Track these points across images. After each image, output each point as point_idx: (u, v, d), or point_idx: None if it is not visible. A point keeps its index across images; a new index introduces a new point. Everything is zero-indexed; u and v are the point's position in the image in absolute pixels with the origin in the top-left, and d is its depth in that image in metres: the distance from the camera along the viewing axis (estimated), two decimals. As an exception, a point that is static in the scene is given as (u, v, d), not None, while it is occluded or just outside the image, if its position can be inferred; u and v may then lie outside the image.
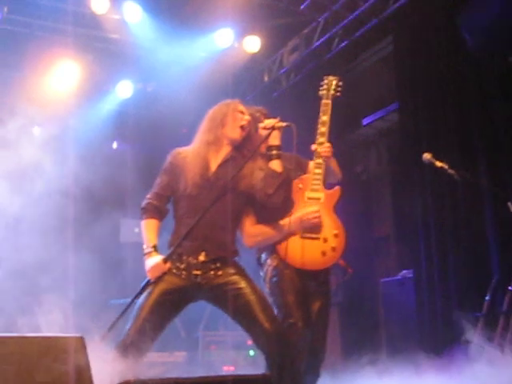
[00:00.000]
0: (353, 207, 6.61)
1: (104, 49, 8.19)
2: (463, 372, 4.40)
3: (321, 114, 3.85)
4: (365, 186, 8.61)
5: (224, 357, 7.14)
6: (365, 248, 7.84)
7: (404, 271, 6.79)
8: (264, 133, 3.64)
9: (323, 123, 3.81)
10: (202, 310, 7.58)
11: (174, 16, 7.49)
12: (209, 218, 3.44)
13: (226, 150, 3.66)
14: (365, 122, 8.15)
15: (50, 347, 1.87)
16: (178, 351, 7.19)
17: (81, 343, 1.93)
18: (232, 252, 3.56)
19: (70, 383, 1.84)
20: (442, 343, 5.73)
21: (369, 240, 8.23)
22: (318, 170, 3.71)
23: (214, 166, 3.61)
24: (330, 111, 3.85)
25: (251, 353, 7.12)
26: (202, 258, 3.47)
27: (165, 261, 3.44)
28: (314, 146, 3.76)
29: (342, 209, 3.78)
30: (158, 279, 3.42)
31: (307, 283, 3.68)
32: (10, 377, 1.77)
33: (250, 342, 7.13)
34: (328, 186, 3.80)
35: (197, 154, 3.64)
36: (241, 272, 3.51)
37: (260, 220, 3.69)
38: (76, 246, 6.81)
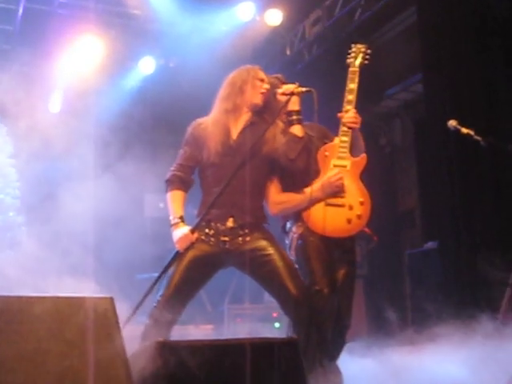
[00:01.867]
0: (377, 180, 6.57)
1: (126, 25, 8.21)
2: (488, 344, 4.37)
3: (348, 81, 3.78)
4: (389, 159, 8.56)
5: (249, 330, 7.18)
6: (390, 221, 7.82)
7: (429, 243, 6.76)
8: (283, 98, 3.61)
9: (350, 91, 3.74)
10: (227, 283, 7.64)
11: (195, -10, 7.48)
12: (235, 185, 3.45)
13: (245, 117, 3.65)
14: (388, 93, 8.08)
15: (81, 306, 1.90)
16: (203, 324, 7.25)
17: (111, 303, 1.96)
18: (260, 217, 3.57)
19: (100, 341, 1.87)
20: (468, 315, 5.70)
21: (394, 213, 8.20)
22: (344, 138, 3.67)
23: (234, 134, 3.61)
24: (357, 79, 3.78)
25: (276, 325, 7.16)
26: (230, 223, 3.48)
27: (192, 231, 3.46)
28: (341, 114, 3.70)
29: (366, 181, 3.75)
30: (187, 249, 3.45)
31: (332, 251, 3.67)
32: (43, 334, 1.80)
33: (275, 315, 7.19)
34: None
35: (217, 122, 3.63)
36: (269, 238, 3.51)
37: (285, 188, 3.68)
38: (100, 221, 6.86)
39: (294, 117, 3.58)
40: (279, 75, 3.94)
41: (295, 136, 3.54)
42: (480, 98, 6.09)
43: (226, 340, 2.37)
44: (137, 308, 3.37)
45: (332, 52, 7.95)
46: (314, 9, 8.23)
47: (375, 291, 7.51)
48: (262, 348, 2.51)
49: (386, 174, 8.35)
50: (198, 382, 2.22)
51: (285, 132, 3.59)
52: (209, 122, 3.67)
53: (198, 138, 3.64)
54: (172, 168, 3.67)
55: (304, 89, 3.59)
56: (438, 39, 6.62)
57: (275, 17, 8.16)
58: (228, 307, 7.53)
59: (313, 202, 3.62)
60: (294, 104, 3.59)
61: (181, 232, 3.46)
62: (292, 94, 3.58)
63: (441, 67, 6.57)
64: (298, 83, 3.63)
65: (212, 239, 3.48)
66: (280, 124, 3.64)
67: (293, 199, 3.65)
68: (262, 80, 3.68)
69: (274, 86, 3.74)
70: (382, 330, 6.05)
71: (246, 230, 3.48)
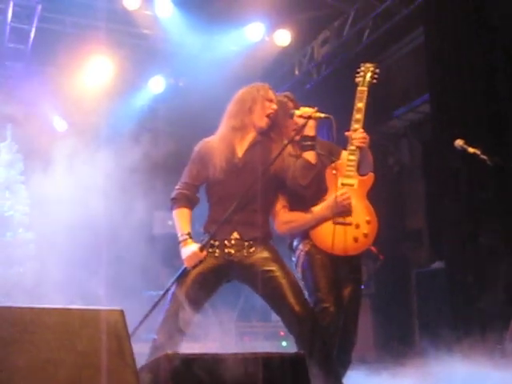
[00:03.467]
0: (385, 199, 6.59)
1: (136, 44, 8.29)
2: (497, 365, 4.36)
3: (356, 100, 3.79)
4: (397, 179, 8.58)
5: (257, 348, 7.17)
6: (397, 240, 7.83)
7: (437, 262, 6.77)
8: (300, 121, 3.59)
9: (358, 110, 3.76)
10: (235, 300, 7.64)
11: (205, 11, 7.55)
12: (240, 202, 3.48)
13: (251, 136, 3.67)
14: (396, 113, 8.12)
15: (92, 319, 1.93)
16: (211, 342, 7.23)
17: (121, 316, 1.99)
18: (265, 233, 3.58)
19: (110, 353, 1.90)
20: (475, 335, 5.69)
21: (401, 232, 8.21)
22: (352, 157, 3.68)
23: (240, 152, 3.63)
24: (365, 98, 3.79)
25: (284, 344, 7.16)
26: (235, 235, 3.50)
27: (201, 249, 3.48)
28: (349, 132, 3.71)
29: (374, 201, 3.77)
30: (195, 266, 3.47)
31: (339, 269, 3.68)
32: (54, 345, 1.83)
33: (282, 334, 7.18)
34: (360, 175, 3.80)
35: (223, 139, 3.66)
36: (274, 254, 3.53)
37: (292, 206, 3.71)
38: (108, 239, 6.91)
39: (309, 142, 3.55)
40: (288, 93, 3.98)
41: (309, 162, 3.52)
42: (487, 118, 6.13)
43: (234, 354, 2.39)
44: (142, 322, 3.40)
45: (340, 72, 8.02)
46: (323, 29, 8.32)
47: (382, 310, 7.50)
48: (270, 363, 2.53)
49: (394, 193, 8.37)
50: (207, 395, 2.24)
51: (293, 153, 3.61)
52: (216, 139, 3.70)
53: (204, 155, 3.66)
54: (177, 186, 3.70)
55: (323, 115, 3.57)
56: (444, 60, 6.67)
57: (284, 37, 8.24)
58: (236, 325, 7.53)
59: (320, 220, 3.65)
60: (311, 129, 3.57)
61: (190, 250, 3.49)
62: (310, 117, 3.56)
63: (448, 88, 6.61)
64: (316, 108, 3.61)
65: (217, 250, 3.50)
66: (289, 145, 3.64)
67: (300, 219, 3.67)
68: (271, 100, 3.69)
69: (283, 105, 3.78)
70: (389, 349, 6.04)
71: (251, 242, 3.50)
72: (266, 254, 3.50)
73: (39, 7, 7.45)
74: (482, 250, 6.00)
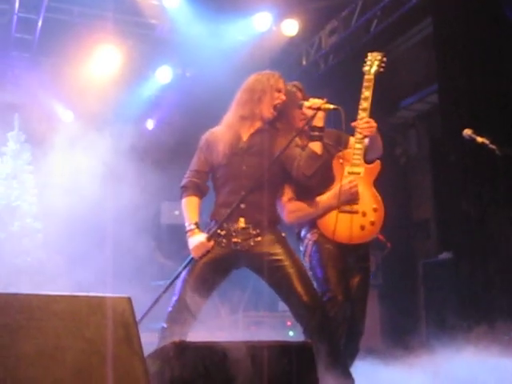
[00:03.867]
0: (392, 190, 6.57)
1: (143, 34, 8.28)
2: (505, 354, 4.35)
3: (363, 89, 3.78)
4: (404, 169, 8.56)
5: (264, 337, 7.17)
6: (405, 231, 7.82)
7: (444, 253, 6.76)
8: (309, 112, 3.56)
9: (365, 99, 3.74)
10: (242, 291, 7.66)
11: (212, 0, 7.53)
12: (245, 184, 3.48)
13: (257, 125, 3.66)
14: (404, 104, 8.10)
15: (99, 306, 1.94)
16: (218, 332, 7.26)
17: (128, 303, 1.99)
18: (272, 217, 3.57)
19: (118, 340, 1.90)
20: (483, 326, 5.69)
21: (409, 223, 8.20)
22: (358, 145, 3.68)
23: (245, 137, 3.64)
24: (372, 87, 3.78)
25: (291, 334, 7.17)
26: (241, 224, 3.49)
27: (209, 239, 3.47)
28: (355, 122, 3.70)
29: (381, 191, 3.76)
30: (202, 256, 3.47)
31: (347, 258, 3.69)
32: (62, 332, 1.84)
33: (289, 324, 7.19)
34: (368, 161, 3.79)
35: (230, 127, 3.66)
36: (281, 242, 3.52)
37: (299, 195, 3.71)
38: (116, 229, 6.92)
39: (317, 133, 3.53)
40: (297, 83, 3.96)
41: (314, 153, 3.50)
42: (496, 108, 6.10)
43: (242, 342, 2.40)
44: (149, 310, 3.41)
45: (348, 62, 7.98)
46: (331, 19, 8.26)
47: (390, 301, 7.50)
48: (278, 351, 2.53)
49: (402, 184, 8.35)
50: (215, 383, 2.25)
51: (299, 143, 3.60)
52: (222, 127, 3.70)
53: (211, 142, 3.67)
54: (187, 175, 3.70)
55: (332, 106, 3.53)
56: (453, 50, 6.63)
57: (292, 27, 8.20)
58: (243, 315, 7.54)
59: (327, 209, 3.65)
60: (319, 120, 3.53)
61: (197, 240, 3.48)
62: (319, 109, 3.53)
63: (456, 78, 6.58)
64: (326, 99, 3.57)
65: (224, 240, 3.50)
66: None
67: (307, 208, 3.68)
68: (280, 90, 3.67)
69: (291, 95, 3.77)
70: (395, 339, 6.04)
71: (258, 230, 3.48)
72: (273, 242, 3.49)
73: (46, -3, 7.44)
74: (490, 240, 5.99)
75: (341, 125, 3.58)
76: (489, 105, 6.17)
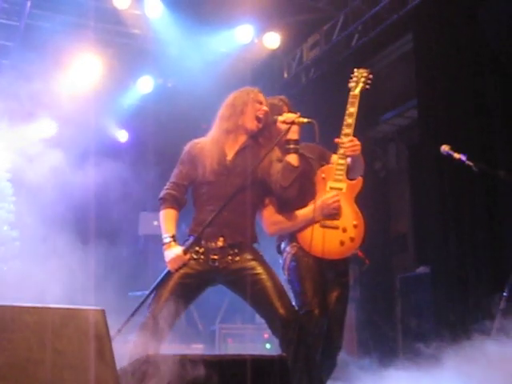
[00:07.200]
0: (371, 203, 6.60)
1: (125, 44, 8.26)
2: (481, 369, 4.37)
3: (348, 105, 3.81)
4: (384, 183, 8.59)
5: (240, 350, 7.16)
6: (382, 244, 7.84)
7: (421, 267, 6.79)
8: (283, 127, 3.60)
9: (350, 115, 3.77)
10: (219, 303, 7.64)
11: (195, 12, 7.54)
12: (228, 204, 3.48)
13: (242, 139, 3.69)
14: (384, 118, 8.15)
15: (72, 318, 1.92)
16: (195, 344, 7.24)
17: (102, 315, 1.98)
18: (250, 237, 3.59)
19: (90, 352, 1.89)
20: (459, 340, 5.71)
21: (387, 236, 8.22)
22: (341, 161, 3.70)
23: (230, 154, 3.65)
24: (357, 103, 3.81)
25: (268, 346, 7.15)
26: (220, 243, 3.51)
27: (185, 252, 3.47)
28: (338, 139, 3.71)
29: (360, 205, 3.78)
30: (178, 269, 3.47)
31: (326, 272, 3.70)
32: (34, 344, 1.82)
33: (266, 336, 7.18)
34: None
35: (215, 141, 3.68)
36: (258, 258, 3.54)
37: (280, 208, 3.70)
38: (95, 239, 6.88)
39: (292, 146, 3.57)
40: (283, 97, 3.99)
41: (290, 164, 3.54)
42: (473, 125, 6.16)
43: (217, 356, 2.39)
44: (126, 323, 3.38)
45: (329, 76, 8.04)
46: (313, 33, 8.33)
47: (367, 314, 7.51)
48: (253, 364, 2.53)
49: (381, 197, 8.38)
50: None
51: (281, 158, 3.62)
52: (207, 141, 3.71)
53: (194, 156, 3.67)
54: (166, 187, 3.70)
55: (305, 120, 3.58)
56: (432, 66, 6.70)
57: (274, 40, 8.25)
58: (219, 327, 7.52)
59: (308, 223, 3.66)
60: (293, 133, 3.58)
61: (173, 252, 3.48)
62: (292, 123, 3.57)
63: (435, 93, 6.65)
64: (299, 113, 3.62)
65: (202, 257, 3.50)
66: (276, 150, 3.66)
67: (289, 220, 3.67)
68: (261, 103, 3.71)
69: (277, 109, 3.79)
70: (372, 353, 6.05)
71: (236, 250, 3.51)
72: (250, 259, 3.51)
73: (28, 4, 7.40)
74: (467, 255, 6.04)
75: (315, 138, 3.60)
76: (467, 120, 6.23)
